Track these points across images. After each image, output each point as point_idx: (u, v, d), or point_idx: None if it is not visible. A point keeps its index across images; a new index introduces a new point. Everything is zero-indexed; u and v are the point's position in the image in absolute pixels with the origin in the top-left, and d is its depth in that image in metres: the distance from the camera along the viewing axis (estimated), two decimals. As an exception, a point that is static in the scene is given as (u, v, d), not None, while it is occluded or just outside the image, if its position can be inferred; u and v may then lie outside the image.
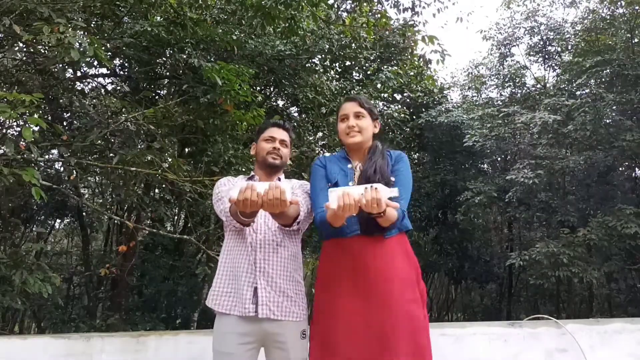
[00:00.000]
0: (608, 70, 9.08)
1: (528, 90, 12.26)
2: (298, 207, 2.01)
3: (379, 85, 8.08)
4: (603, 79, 9.49)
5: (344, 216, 1.76)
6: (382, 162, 2.02)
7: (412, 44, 9.12)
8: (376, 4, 6.02)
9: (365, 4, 6.13)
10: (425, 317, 1.98)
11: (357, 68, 8.85)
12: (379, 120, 2.18)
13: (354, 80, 8.81)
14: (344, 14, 6.88)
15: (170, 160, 5.26)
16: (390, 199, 1.72)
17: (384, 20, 6.07)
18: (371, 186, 1.67)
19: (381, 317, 1.88)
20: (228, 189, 2.07)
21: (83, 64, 5.67)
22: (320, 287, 2.06)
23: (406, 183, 2.03)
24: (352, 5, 6.66)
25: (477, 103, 12.57)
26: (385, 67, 8.64)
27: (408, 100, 10.92)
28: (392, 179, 2.00)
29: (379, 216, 1.78)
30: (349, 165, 2.11)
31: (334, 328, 1.93)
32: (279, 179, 2.22)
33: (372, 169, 1.98)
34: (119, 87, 7.02)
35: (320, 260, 2.12)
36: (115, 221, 8.19)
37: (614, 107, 9.09)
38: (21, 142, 4.08)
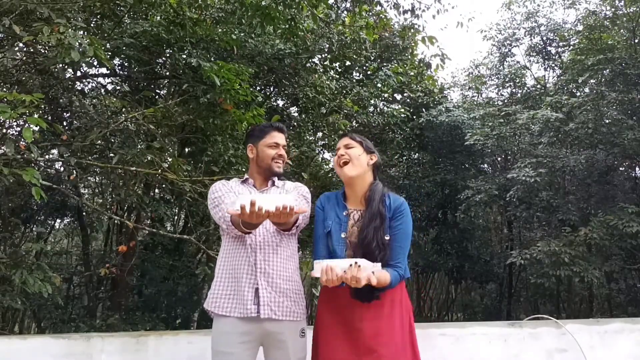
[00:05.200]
0: (609, 69, 9.07)
1: (528, 91, 12.28)
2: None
3: (379, 85, 8.06)
4: (604, 78, 9.49)
5: None
6: (379, 224, 1.96)
7: (413, 44, 9.12)
8: (376, 4, 6.01)
9: (365, 5, 6.12)
10: None
11: (357, 68, 8.83)
12: (375, 153, 2.14)
13: (354, 80, 8.81)
14: (344, 14, 6.86)
15: (170, 160, 5.26)
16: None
17: (383, 22, 6.08)
18: (355, 262, 1.73)
19: None
20: (223, 194, 2.08)
21: (83, 64, 5.66)
22: (317, 321, 2.11)
23: (404, 242, 2.01)
24: (352, 6, 6.66)
25: (477, 103, 12.59)
26: (385, 66, 8.63)
27: (408, 100, 10.92)
28: (387, 238, 1.97)
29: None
30: (344, 213, 2.08)
31: None
32: (273, 182, 2.22)
33: (371, 236, 1.94)
34: (119, 87, 7.02)
35: (320, 293, 2.16)
36: (115, 221, 8.19)
37: (615, 107, 9.09)
38: (21, 142, 4.08)
